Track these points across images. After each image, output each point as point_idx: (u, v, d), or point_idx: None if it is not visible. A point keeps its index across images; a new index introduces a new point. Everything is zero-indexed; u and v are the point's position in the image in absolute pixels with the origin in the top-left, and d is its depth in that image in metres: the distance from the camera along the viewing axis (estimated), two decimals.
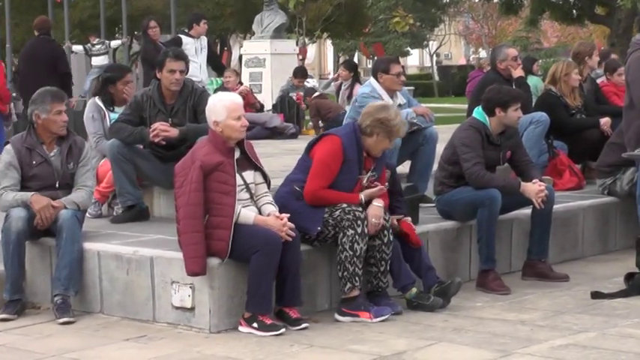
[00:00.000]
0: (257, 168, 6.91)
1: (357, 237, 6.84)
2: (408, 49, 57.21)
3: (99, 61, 22.11)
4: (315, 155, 7.05)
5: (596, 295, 7.46)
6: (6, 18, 24.23)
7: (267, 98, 19.57)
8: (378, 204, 7.01)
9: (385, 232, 7.00)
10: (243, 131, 6.82)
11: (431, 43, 61.55)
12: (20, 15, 32.23)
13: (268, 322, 6.57)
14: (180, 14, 23.91)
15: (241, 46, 27.13)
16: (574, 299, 7.45)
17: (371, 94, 8.52)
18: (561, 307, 7.19)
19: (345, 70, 16.70)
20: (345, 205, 6.90)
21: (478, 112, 7.96)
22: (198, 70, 13.73)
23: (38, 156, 7.35)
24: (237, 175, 6.72)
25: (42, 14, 18.77)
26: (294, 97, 16.60)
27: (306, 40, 38.27)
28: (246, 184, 6.79)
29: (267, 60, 21.88)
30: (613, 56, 13.48)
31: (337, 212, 6.90)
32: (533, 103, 10.25)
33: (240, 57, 25.74)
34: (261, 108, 16.71)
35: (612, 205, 9.36)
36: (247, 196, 6.79)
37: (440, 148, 8.42)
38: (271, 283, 6.63)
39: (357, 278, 6.88)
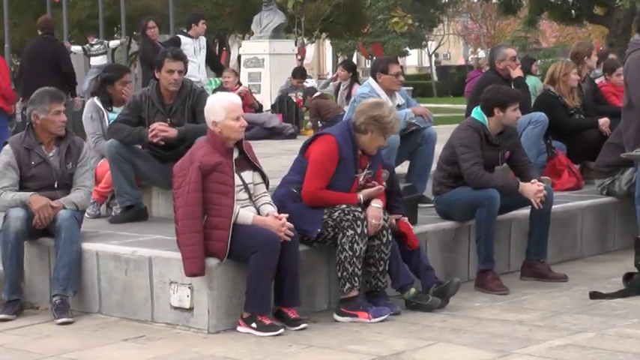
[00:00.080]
0: (256, 168, 6.90)
1: (356, 237, 6.84)
2: (407, 49, 57.28)
3: (97, 61, 22.10)
4: (310, 155, 7.04)
5: (594, 295, 7.46)
6: (4, 18, 24.24)
7: (265, 98, 19.57)
8: (377, 205, 7.00)
9: (384, 232, 7.00)
10: (242, 132, 6.82)
11: (429, 43, 61.62)
12: (19, 15, 32.25)
13: (267, 322, 6.57)
14: (178, 14, 23.92)
15: (240, 47, 27.11)
16: (573, 299, 7.44)
17: (370, 95, 8.50)
18: (560, 308, 7.19)
19: (344, 71, 16.70)
20: (344, 206, 6.90)
21: (477, 112, 7.96)
22: (197, 71, 13.73)
23: (37, 156, 7.35)
24: (236, 176, 6.71)
25: (41, 14, 18.80)
26: (293, 98, 16.60)
27: (305, 40, 38.31)
28: (245, 185, 6.78)
29: (265, 60, 21.88)
30: (611, 56, 13.50)
31: (336, 213, 6.89)
32: (532, 103, 10.25)
33: (239, 57, 25.75)
34: (259, 108, 16.71)
35: (611, 206, 9.36)
36: (246, 196, 6.79)
37: (438, 149, 8.42)
38: (270, 283, 6.63)
39: (356, 278, 6.88)
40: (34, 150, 7.35)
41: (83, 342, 6.52)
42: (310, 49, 51.99)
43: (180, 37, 14.19)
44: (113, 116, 8.53)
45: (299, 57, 24.73)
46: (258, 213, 6.78)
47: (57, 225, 7.13)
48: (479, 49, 62.73)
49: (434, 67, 62.66)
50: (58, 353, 6.27)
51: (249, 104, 15.66)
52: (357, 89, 9.61)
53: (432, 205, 8.24)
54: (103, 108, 8.74)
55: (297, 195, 6.99)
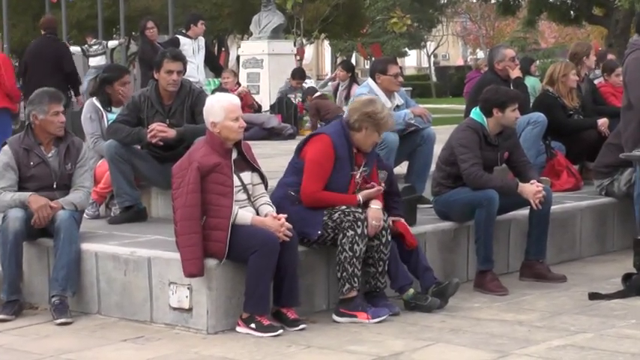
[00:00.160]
0: (254, 169, 6.90)
1: (356, 238, 6.84)
2: (406, 49, 57.32)
3: (96, 61, 22.04)
4: (306, 156, 7.02)
5: (593, 295, 7.46)
6: (3, 19, 24.21)
7: (264, 99, 19.55)
8: (376, 206, 7.00)
9: (383, 232, 6.99)
10: (241, 132, 6.82)
11: (428, 43, 61.64)
12: (17, 15, 32.24)
13: (266, 322, 6.56)
14: (177, 15, 23.89)
15: (239, 47, 27.10)
16: (572, 300, 7.45)
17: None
18: (559, 308, 7.19)
19: (343, 71, 16.70)
20: (344, 207, 6.90)
21: (476, 113, 7.96)
22: (196, 71, 13.74)
23: (36, 157, 7.35)
24: (235, 176, 6.71)
25: (39, 15, 18.78)
26: (292, 99, 16.58)
27: (304, 40, 38.32)
28: (244, 185, 6.78)
29: (264, 61, 21.86)
30: (610, 57, 13.50)
31: (336, 214, 6.89)
32: (531, 104, 10.26)
33: (238, 58, 25.74)
34: (259, 109, 16.70)
35: (610, 206, 9.37)
36: (245, 196, 6.78)
37: (437, 149, 8.42)
38: (269, 283, 6.63)
39: (355, 279, 6.88)
40: (33, 150, 7.35)
41: (82, 342, 6.52)
42: (309, 50, 52.04)
43: (179, 37, 14.20)
44: (112, 117, 8.52)
45: (298, 57, 24.73)
46: (257, 213, 6.79)
47: (56, 225, 7.13)
48: (478, 50, 62.79)
49: (433, 68, 62.68)
50: (57, 354, 6.27)
51: (248, 105, 15.66)
52: (356, 90, 9.60)
53: (431, 205, 8.24)
54: (102, 108, 8.74)
55: (295, 197, 6.98)
